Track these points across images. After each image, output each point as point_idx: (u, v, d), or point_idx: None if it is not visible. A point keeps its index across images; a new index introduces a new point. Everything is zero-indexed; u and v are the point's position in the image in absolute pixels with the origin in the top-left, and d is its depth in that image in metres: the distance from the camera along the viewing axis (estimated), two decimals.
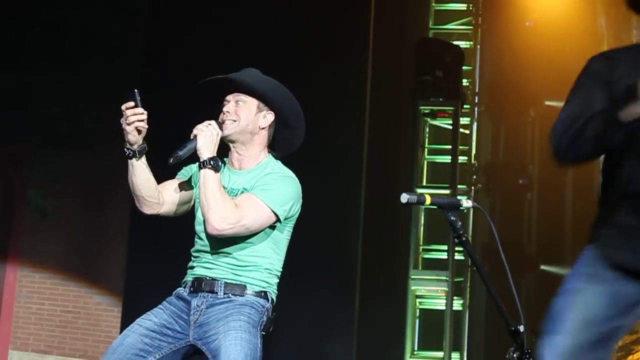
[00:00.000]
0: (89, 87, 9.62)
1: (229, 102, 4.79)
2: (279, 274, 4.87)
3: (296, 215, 4.91)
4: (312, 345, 7.83)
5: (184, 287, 4.84)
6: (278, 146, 4.99)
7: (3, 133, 9.58)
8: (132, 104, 4.51)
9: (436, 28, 8.76)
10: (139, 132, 4.51)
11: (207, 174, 4.63)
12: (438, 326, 8.07)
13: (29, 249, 9.38)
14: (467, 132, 8.59)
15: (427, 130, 8.59)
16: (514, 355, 4.02)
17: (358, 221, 8.04)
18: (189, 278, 4.85)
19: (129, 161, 4.60)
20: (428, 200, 4.27)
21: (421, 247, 8.29)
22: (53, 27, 9.98)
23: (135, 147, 4.56)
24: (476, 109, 8.65)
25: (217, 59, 7.19)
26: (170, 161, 4.60)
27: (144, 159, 4.62)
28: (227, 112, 4.77)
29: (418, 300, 8.20)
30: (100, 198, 9.32)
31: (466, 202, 4.31)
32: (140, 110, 4.51)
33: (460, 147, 8.38)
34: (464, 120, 8.53)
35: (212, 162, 4.61)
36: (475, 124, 8.64)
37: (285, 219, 4.82)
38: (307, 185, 7.86)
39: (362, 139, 8.16)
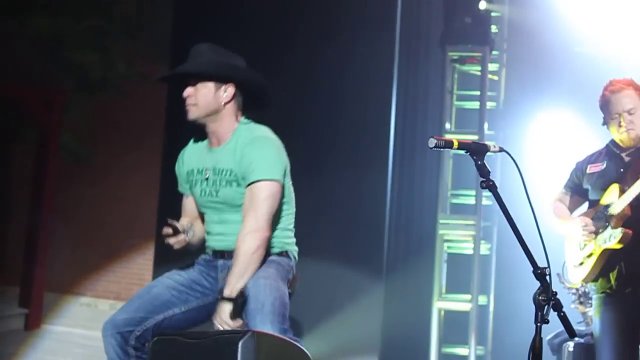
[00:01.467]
0: (122, 33, 9.62)
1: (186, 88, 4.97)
2: (292, 226, 5.06)
3: (288, 167, 4.99)
4: (342, 286, 7.88)
5: (209, 255, 5.06)
6: (253, 105, 5.11)
7: (37, 78, 9.59)
8: (170, 231, 4.84)
9: None
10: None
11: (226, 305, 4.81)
12: (466, 270, 8.09)
13: (63, 193, 9.40)
14: (496, 78, 8.54)
15: (456, 76, 8.55)
16: (540, 297, 4.01)
17: (387, 167, 8.05)
18: (209, 249, 5.07)
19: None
20: (456, 144, 4.26)
21: (449, 192, 8.28)
22: None
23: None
24: (505, 55, 8.58)
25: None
26: None
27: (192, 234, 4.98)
28: (188, 96, 4.93)
29: (446, 244, 8.20)
30: (133, 142, 9.32)
31: (493, 147, 4.30)
32: (178, 239, 4.88)
33: (489, 93, 8.35)
34: (493, 67, 8.48)
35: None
36: (504, 70, 8.59)
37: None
38: (336, 131, 7.89)
39: (390, 85, 8.16)
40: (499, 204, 4.22)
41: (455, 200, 8.32)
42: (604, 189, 5.50)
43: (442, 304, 8.08)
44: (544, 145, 8.15)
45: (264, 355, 4.00)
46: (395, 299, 8.00)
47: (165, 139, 8.40)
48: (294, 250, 5.00)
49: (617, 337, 5.32)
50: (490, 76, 8.39)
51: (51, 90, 9.59)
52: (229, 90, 4.96)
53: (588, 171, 5.65)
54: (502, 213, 4.16)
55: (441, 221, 8.14)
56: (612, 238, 5.34)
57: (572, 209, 5.80)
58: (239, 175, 4.87)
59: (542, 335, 4.07)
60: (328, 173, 7.84)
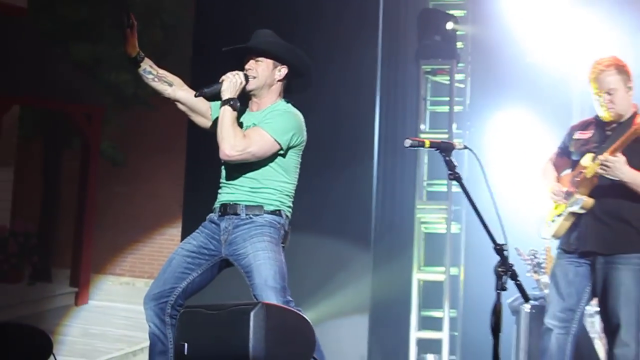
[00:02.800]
0: (151, 57, 9.59)
1: (251, 60, 4.89)
2: (291, 194, 4.93)
3: (300, 146, 4.93)
4: (337, 259, 7.89)
5: (215, 213, 4.93)
6: (294, 89, 5.06)
7: (80, 95, 9.59)
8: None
9: (435, 0, 8.65)
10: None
11: (226, 109, 4.74)
12: (439, 246, 8.09)
13: (102, 191, 9.39)
14: (462, 86, 8.53)
15: (429, 85, 8.54)
16: (499, 269, 4.02)
17: (372, 161, 8.05)
18: (217, 204, 4.95)
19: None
20: (427, 144, 4.30)
21: (425, 182, 8.27)
22: (121, 6, 9.93)
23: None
24: (469, 66, 8.57)
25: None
26: (195, 95, 4.87)
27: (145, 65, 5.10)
28: (249, 68, 4.87)
29: (423, 225, 8.19)
30: (160, 147, 9.29)
31: (459, 145, 4.31)
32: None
33: (456, 99, 8.34)
34: (459, 77, 8.47)
35: (231, 102, 4.73)
36: (468, 79, 8.58)
37: (289, 148, 4.85)
38: (332, 131, 7.85)
39: (374, 93, 8.15)
40: (464, 191, 4.23)
41: (430, 189, 8.32)
42: (582, 156, 5.29)
43: (421, 275, 8.07)
44: (502, 140, 8.15)
45: (272, 323, 3.97)
46: (382, 271, 7.97)
47: (187, 144, 8.36)
48: (287, 209, 4.93)
49: (564, 287, 5.17)
50: (457, 84, 8.38)
51: (92, 105, 9.58)
52: (282, 71, 4.93)
53: (575, 137, 5.42)
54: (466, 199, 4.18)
55: (418, 206, 8.14)
56: (577, 203, 5.16)
57: (560, 168, 5.54)
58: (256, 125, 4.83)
59: (502, 300, 4.08)
60: (326, 167, 7.83)
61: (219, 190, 4.98)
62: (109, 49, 9.75)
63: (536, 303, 6.45)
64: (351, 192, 7.96)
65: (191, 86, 7.36)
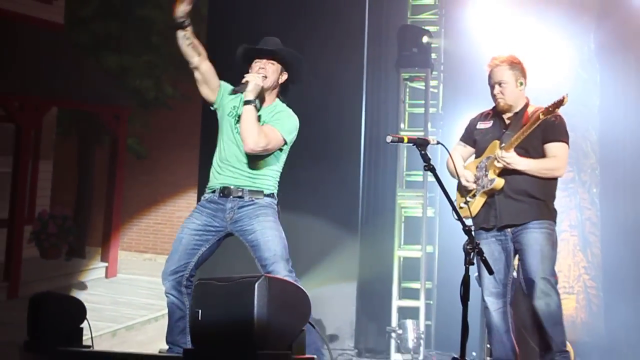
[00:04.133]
0: (168, 67, 9.58)
1: (262, 62, 4.87)
2: (278, 180, 4.95)
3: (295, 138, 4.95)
4: (330, 238, 7.91)
5: (214, 193, 4.87)
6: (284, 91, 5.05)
7: (109, 98, 9.57)
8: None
9: (412, 17, 8.62)
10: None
11: (249, 109, 4.71)
12: (417, 228, 8.08)
13: (128, 180, 9.39)
14: (436, 91, 8.51)
15: (407, 90, 8.51)
16: (467, 247, 4.02)
17: (359, 155, 8.05)
18: (216, 185, 4.87)
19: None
20: (405, 139, 4.30)
21: (405, 173, 8.26)
22: (144, 22, 9.90)
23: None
24: (442, 74, 8.55)
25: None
26: (230, 93, 4.84)
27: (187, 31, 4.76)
28: (262, 67, 4.84)
29: (403, 210, 8.17)
30: (177, 143, 9.28)
31: (432, 141, 4.31)
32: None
33: (431, 102, 8.32)
34: (433, 83, 8.45)
35: (254, 103, 4.70)
36: (441, 85, 8.56)
37: (285, 143, 4.88)
38: (324, 130, 7.84)
39: (361, 97, 8.16)
40: (437, 181, 4.23)
41: (409, 179, 8.29)
42: (488, 143, 5.22)
43: (401, 252, 8.05)
44: None
45: (273, 293, 3.95)
46: (367, 249, 7.99)
47: (201, 139, 8.35)
48: (277, 193, 4.96)
49: (493, 265, 4.87)
50: (431, 90, 8.35)
51: (119, 106, 9.57)
52: (283, 76, 4.96)
53: (478, 127, 5.37)
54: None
55: (399, 193, 8.11)
56: (489, 183, 5.07)
57: (465, 157, 5.44)
58: (266, 122, 4.82)
59: (470, 273, 4.08)
60: (320, 161, 7.83)
61: (217, 171, 4.90)
62: (134, 58, 9.75)
63: None
64: (341, 182, 7.96)
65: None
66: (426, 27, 8.39)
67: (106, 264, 9.10)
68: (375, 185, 8.19)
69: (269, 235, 4.75)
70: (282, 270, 4.66)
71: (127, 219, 9.39)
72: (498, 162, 5.05)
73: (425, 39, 8.21)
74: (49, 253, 8.99)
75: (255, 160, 4.84)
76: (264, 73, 4.88)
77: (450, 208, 4.34)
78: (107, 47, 9.71)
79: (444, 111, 8.47)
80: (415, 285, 8.00)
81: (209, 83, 4.97)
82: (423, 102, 8.31)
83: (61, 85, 9.29)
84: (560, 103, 4.86)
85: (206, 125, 8.13)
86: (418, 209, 8.10)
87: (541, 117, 4.93)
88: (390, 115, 8.35)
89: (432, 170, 4.26)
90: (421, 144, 4.30)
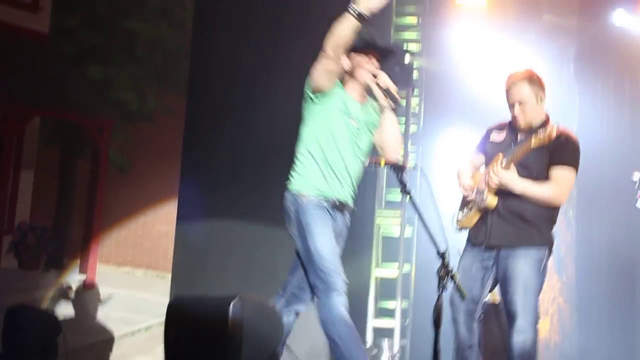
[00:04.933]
0: (152, 79, 9.60)
1: (374, 60, 4.54)
2: None
3: None
4: None
5: (326, 202, 4.46)
6: None
7: (92, 110, 9.57)
8: None
9: (396, 35, 8.66)
10: None
11: (392, 116, 4.48)
12: (395, 247, 8.08)
13: (110, 192, 9.40)
14: (417, 110, 8.53)
15: None
16: (441, 272, 4.03)
17: None
18: (327, 193, 4.45)
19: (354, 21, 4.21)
20: (382, 163, 4.30)
21: (384, 192, 8.26)
22: (128, 34, 9.94)
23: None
24: (423, 93, 8.57)
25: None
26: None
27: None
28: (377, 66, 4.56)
29: (381, 229, 8.18)
30: (159, 155, 9.32)
31: (409, 166, 4.32)
32: None
33: (412, 120, 8.33)
34: (415, 101, 8.46)
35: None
36: (422, 103, 8.57)
37: None
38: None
39: None
40: (412, 205, 4.25)
41: (387, 199, 8.29)
42: (494, 156, 4.88)
43: (378, 271, 8.06)
44: (450, 156, 8.16)
45: (247, 314, 3.98)
46: (345, 267, 7.94)
47: (182, 153, 8.28)
48: None
49: (467, 281, 4.81)
50: (412, 109, 8.38)
51: (102, 119, 9.57)
52: None
53: (490, 139, 5.02)
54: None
55: (378, 212, 8.12)
56: (485, 200, 4.83)
57: (477, 165, 5.10)
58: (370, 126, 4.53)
59: (442, 300, 4.08)
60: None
61: (328, 177, 4.46)
62: (118, 70, 9.79)
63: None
64: None
65: (187, 105, 7.30)
66: (409, 46, 8.43)
67: (84, 276, 9.10)
68: (354, 204, 8.14)
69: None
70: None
71: (107, 230, 9.41)
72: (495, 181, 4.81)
73: (407, 59, 8.23)
74: (28, 264, 8.98)
75: (358, 175, 4.63)
76: (374, 71, 4.55)
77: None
78: (92, 58, 9.74)
79: (424, 130, 8.48)
80: (391, 304, 8.00)
81: (335, 77, 4.49)
82: (404, 119, 8.32)
83: (44, 95, 9.29)
84: (550, 135, 4.63)
85: (188, 139, 8.10)
86: (396, 227, 8.11)
87: (533, 143, 4.68)
88: None
89: (408, 193, 4.25)
90: (398, 168, 4.26)
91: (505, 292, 4.81)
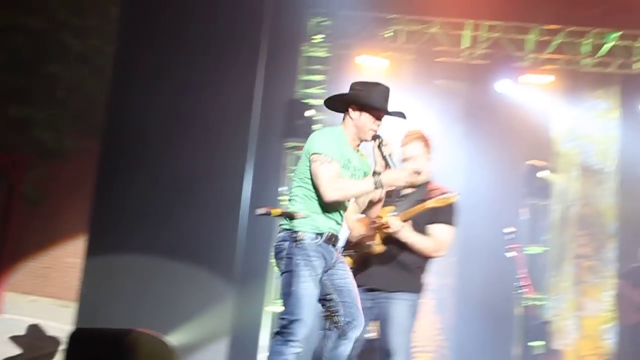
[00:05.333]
0: (70, 120, 9.69)
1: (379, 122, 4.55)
2: None
3: None
4: (199, 294, 7.76)
5: (319, 236, 4.42)
6: None
7: (11, 147, 9.66)
8: None
9: (301, 91, 9.14)
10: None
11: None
12: None
13: (23, 225, 9.41)
14: None
15: (292, 157, 8.88)
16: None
17: (238, 209, 8.03)
18: (324, 229, 4.44)
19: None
20: (272, 213, 4.54)
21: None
22: (49, 77, 10.01)
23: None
24: None
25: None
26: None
27: None
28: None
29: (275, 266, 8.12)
30: (72, 190, 9.31)
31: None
32: None
33: None
34: None
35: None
36: None
37: None
38: (202, 185, 7.83)
39: (244, 162, 8.14)
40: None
41: None
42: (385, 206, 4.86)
43: (271, 307, 8.28)
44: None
45: (143, 348, 4.26)
46: (241, 303, 8.00)
47: (95, 190, 8.18)
48: None
49: None
50: None
51: (19, 155, 9.62)
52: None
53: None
54: None
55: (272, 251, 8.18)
56: (372, 246, 4.92)
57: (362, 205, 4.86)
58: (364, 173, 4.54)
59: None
60: (200, 211, 7.78)
61: (323, 217, 4.42)
62: (38, 111, 9.89)
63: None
64: (220, 234, 7.85)
65: (102, 146, 7.10)
66: (313, 101, 8.82)
67: None
68: (253, 239, 8.16)
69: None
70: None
71: (17, 261, 9.40)
72: (387, 228, 4.85)
73: (309, 113, 8.71)
74: None
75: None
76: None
77: None
78: (14, 99, 9.79)
79: None
80: None
81: None
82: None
83: None
84: (448, 200, 4.88)
85: (101, 176, 8.16)
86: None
87: (431, 203, 4.86)
88: (273, 182, 8.70)
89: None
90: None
91: (385, 332, 4.93)
